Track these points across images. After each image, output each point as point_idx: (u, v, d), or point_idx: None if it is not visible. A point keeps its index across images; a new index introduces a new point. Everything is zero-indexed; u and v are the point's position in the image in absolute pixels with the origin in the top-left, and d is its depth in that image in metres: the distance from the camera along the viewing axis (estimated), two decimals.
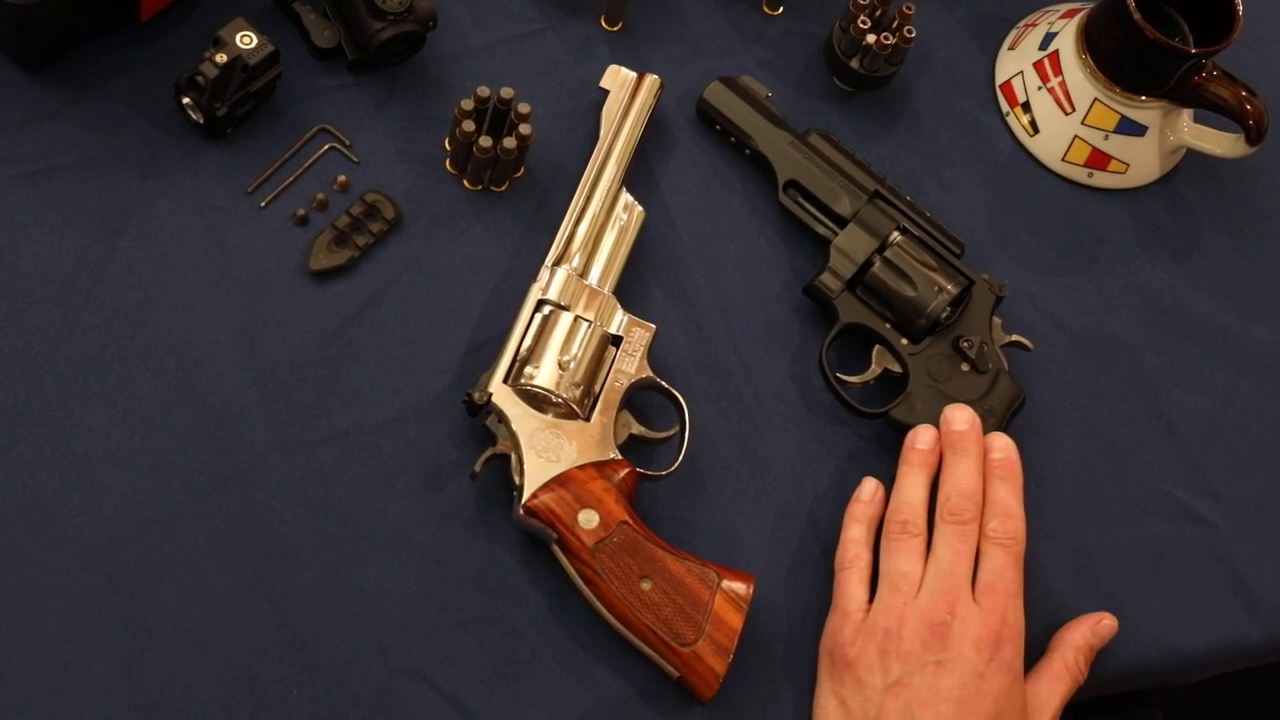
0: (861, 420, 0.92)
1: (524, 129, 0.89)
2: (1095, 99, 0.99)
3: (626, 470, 0.83)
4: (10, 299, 0.84)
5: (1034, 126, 1.02)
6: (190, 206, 0.88)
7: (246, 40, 0.86)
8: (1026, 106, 1.02)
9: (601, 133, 0.92)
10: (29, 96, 0.88)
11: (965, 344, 0.91)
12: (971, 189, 1.01)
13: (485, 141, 0.88)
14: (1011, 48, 1.05)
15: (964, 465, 0.86)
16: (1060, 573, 0.91)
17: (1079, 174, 1.02)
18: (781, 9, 1.03)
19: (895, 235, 0.92)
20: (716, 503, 0.88)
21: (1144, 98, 0.98)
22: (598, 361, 0.86)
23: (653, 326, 0.88)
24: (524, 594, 0.84)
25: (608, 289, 0.88)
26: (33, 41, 0.87)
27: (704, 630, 0.80)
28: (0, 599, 0.78)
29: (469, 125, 0.88)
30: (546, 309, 0.86)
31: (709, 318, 0.93)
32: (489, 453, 0.83)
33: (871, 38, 0.96)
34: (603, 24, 1.00)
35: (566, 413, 0.84)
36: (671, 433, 0.87)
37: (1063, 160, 1.01)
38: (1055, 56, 1.00)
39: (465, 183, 0.93)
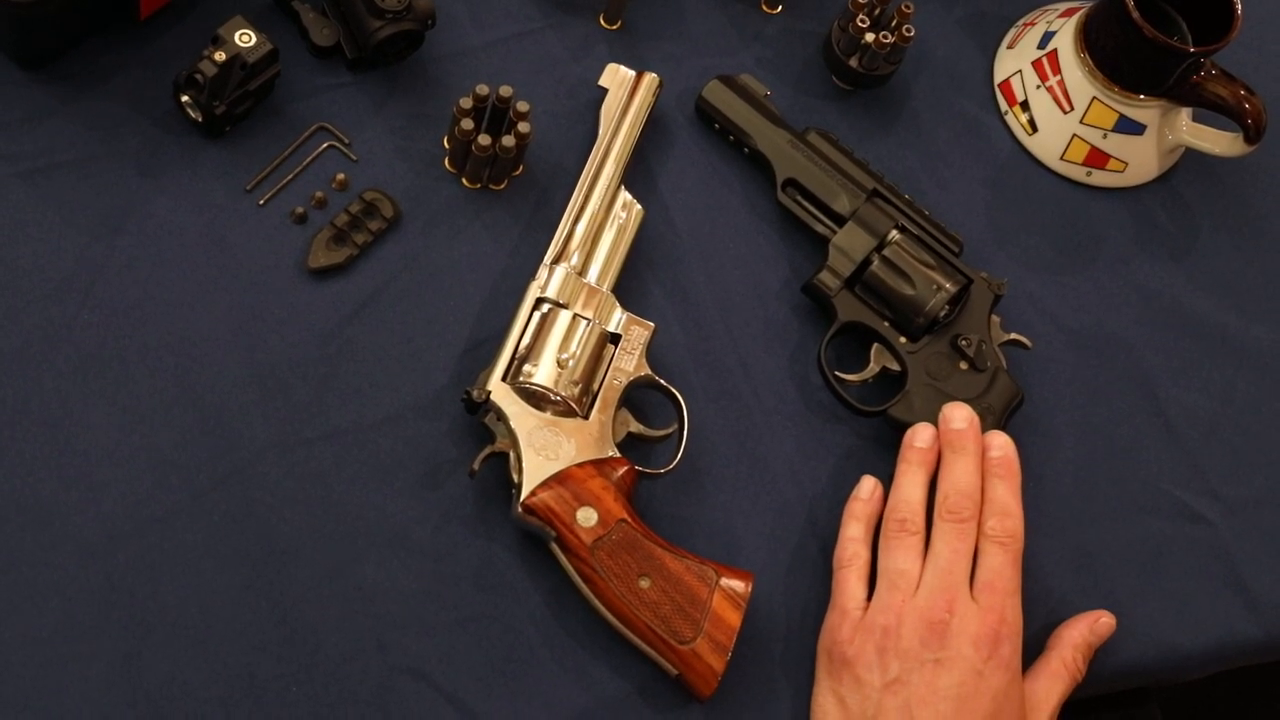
0: (860, 418, 0.92)
1: (523, 127, 0.89)
2: (1094, 98, 0.99)
3: (625, 468, 0.83)
4: (9, 297, 0.84)
5: (1032, 125, 1.02)
6: (189, 204, 0.88)
7: (245, 38, 0.86)
8: (1025, 105, 1.02)
9: (600, 131, 0.92)
10: (28, 94, 0.88)
11: (964, 342, 0.91)
12: (970, 187, 1.00)
13: (484, 140, 0.88)
14: (1010, 46, 1.05)
15: (962, 464, 0.86)
16: (1059, 571, 0.91)
17: (1077, 173, 1.02)
18: (780, 7, 1.03)
19: (894, 234, 0.92)
20: (715, 501, 0.88)
21: (1142, 96, 0.98)
22: (596, 359, 0.86)
23: (651, 325, 0.88)
24: (523, 592, 0.84)
25: (606, 287, 0.88)
26: (32, 40, 0.87)
27: (702, 628, 0.80)
28: None
29: (468, 124, 0.88)
30: (545, 307, 0.86)
31: (708, 316, 0.93)
32: (487, 451, 0.83)
33: (870, 36, 0.96)
34: (601, 22, 1.00)
35: (565, 411, 0.84)
36: (670, 431, 0.87)
37: (1061, 159, 1.01)
38: (1054, 55, 1.00)
39: (464, 181, 0.93)
